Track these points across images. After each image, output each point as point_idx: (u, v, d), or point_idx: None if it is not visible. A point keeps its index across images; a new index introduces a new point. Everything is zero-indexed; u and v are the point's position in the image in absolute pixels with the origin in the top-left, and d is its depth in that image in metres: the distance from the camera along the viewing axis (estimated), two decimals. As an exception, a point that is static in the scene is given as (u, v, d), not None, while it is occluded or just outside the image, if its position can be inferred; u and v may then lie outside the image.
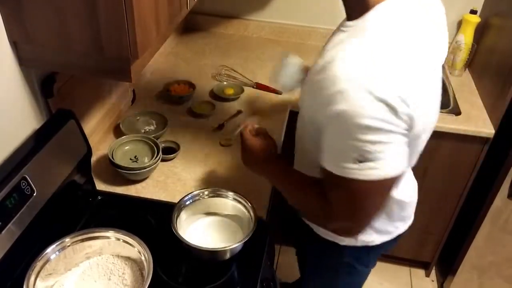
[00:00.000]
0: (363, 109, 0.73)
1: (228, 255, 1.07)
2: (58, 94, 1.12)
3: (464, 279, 1.97)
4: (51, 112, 1.12)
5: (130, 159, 1.33)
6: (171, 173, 1.36)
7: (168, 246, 1.08)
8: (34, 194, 0.95)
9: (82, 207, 1.20)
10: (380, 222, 1.09)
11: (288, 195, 1.02)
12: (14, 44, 0.95)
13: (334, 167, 0.81)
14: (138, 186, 1.31)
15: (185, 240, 1.04)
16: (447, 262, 2.07)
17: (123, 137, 1.36)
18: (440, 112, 1.69)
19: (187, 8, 1.16)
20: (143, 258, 0.98)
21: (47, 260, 0.96)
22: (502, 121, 1.62)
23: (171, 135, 1.50)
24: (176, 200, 1.15)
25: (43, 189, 0.99)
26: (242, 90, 1.76)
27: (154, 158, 1.30)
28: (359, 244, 1.12)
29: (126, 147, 1.35)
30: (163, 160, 1.37)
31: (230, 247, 1.04)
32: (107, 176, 1.32)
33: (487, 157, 1.71)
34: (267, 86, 1.80)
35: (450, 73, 1.96)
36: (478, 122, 1.68)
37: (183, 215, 1.13)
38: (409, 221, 1.19)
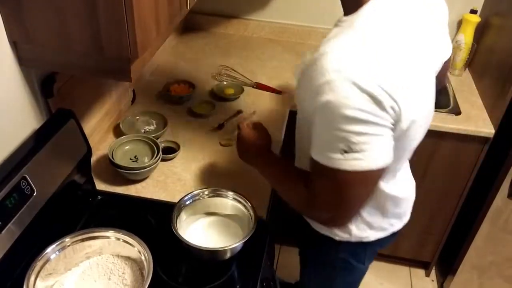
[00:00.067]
0: (348, 100, 0.75)
1: (228, 255, 1.07)
2: (58, 94, 1.12)
3: (464, 279, 1.97)
4: (51, 112, 1.12)
5: (130, 159, 1.33)
6: (171, 173, 1.36)
7: (168, 246, 1.08)
8: (34, 194, 0.96)
9: (82, 207, 1.20)
10: (374, 218, 1.10)
11: (277, 184, 1.05)
12: (14, 44, 0.95)
13: (320, 157, 0.83)
14: (138, 186, 1.31)
15: (185, 240, 1.04)
16: (447, 262, 2.07)
17: (123, 137, 1.36)
18: (440, 112, 1.70)
19: (187, 8, 1.16)
20: (143, 258, 0.98)
21: (47, 260, 0.96)
22: (502, 121, 1.62)
23: (171, 135, 1.51)
24: (176, 200, 1.15)
25: (43, 189, 0.99)
26: (242, 90, 1.76)
27: (154, 158, 1.31)
28: (353, 240, 1.12)
29: (126, 147, 1.35)
30: (163, 160, 1.37)
31: (230, 247, 1.04)
32: (107, 176, 1.32)
33: (487, 157, 1.71)
34: (267, 86, 1.81)
35: (450, 72, 1.96)
36: (478, 122, 1.68)
37: (183, 215, 1.13)
38: (405, 218, 1.19)
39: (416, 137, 0.95)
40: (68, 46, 0.89)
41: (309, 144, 0.86)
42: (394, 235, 1.18)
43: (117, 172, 1.28)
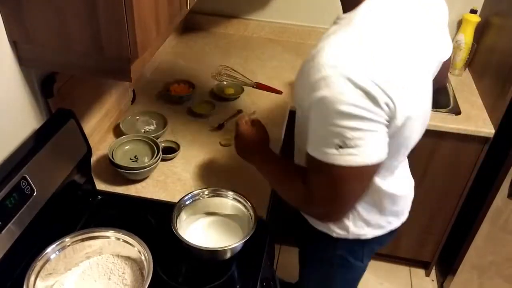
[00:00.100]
0: (343, 95, 0.76)
1: (228, 255, 1.07)
2: (58, 94, 1.12)
3: (464, 278, 1.98)
4: (51, 112, 1.12)
5: (130, 159, 1.33)
6: (171, 173, 1.36)
7: (168, 246, 1.09)
8: (34, 194, 0.96)
9: (82, 207, 1.20)
10: (371, 215, 1.10)
11: (274, 181, 1.06)
12: (14, 44, 0.95)
13: (316, 152, 0.84)
14: (138, 186, 1.31)
15: (185, 239, 1.04)
16: (447, 262, 2.07)
17: (123, 137, 1.36)
18: (440, 111, 1.70)
19: (187, 7, 1.16)
20: (143, 257, 0.98)
21: (47, 260, 0.96)
22: (502, 121, 1.62)
23: (171, 135, 1.51)
24: (176, 200, 1.15)
25: (43, 189, 0.99)
26: (242, 90, 1.76)
27: (154, 158, 1.31)
28: (351, 237, 1.13)
29: (126, 147, 1.35)
30: (163, 160, 1.37)
31: (230, 247, 1.04)
32: (107, 176, 1.32)
33: (487, 157, 1.71)
34: (267, 86, 1.81)
35: (450, 72, 1.96)
36: (478, 122, 1.68)
37: (183, 215, 1.13)
38: (403, 217, 1.20)
39: (412, 135, 0.95)
40: (68, 46, 0.89)
41: (306, 142, 0.87)
42: (392, 233, 1.19)
43: (117, 172, 1.28)
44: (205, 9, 2.21)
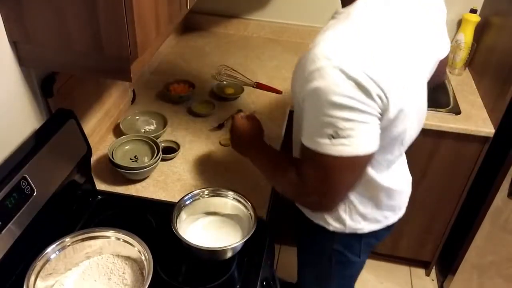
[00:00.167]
0: (336, 86, 0.77)
1: (228, 255, 1.07)
2: (58, 94, 1.12)
3: (464, 278, 1.98)
4: (51, 112, 1.12)
5: (130, 158, 1.33)
6: (171, 172, 1.36)
7: (168, 245, 1.09)
8: (34, 194, 0.96)
9: (82, 207, 1.20)
10: (368, 209, 1.11)
11: (269, 173, 1.07)
12: (14, 44, 0.95)
13: (309, 142, 0.85)
14: (138, 185, 1.31)
15: (185, 239, 1.04)
16: (447, 261, 2.07)
17: (123, 136, 1.36)
18: (440, 111, 1.70)
19: (187, 7, 1.16)
20: (143, 257, 0.98)
21: (47, 260, 0.96)
22: (502, 121, 1.62)
23: (171, 135, 1.51)
24: (176, 200, 1.15)
25: (43, 189, 0.99)
26: (242, 90, 1.76)
27: (154, 157, 1.31)
28: (348, 231, 1.13)
29: (126, 147, 1.35)
30: (163, 159, 1.37)
31: (230, 247, 1.04)
32: (107, 176, 1.32)
33: (487, 157, 1.71)
34: (267, 86, 1.81)
35: (450, 72, 1.96)
36: (478, 122, 1.68)
37: (183, 215, 1.13)
38: (400, 212, 1.20)
39: (407, 130, 0.96)
40: (68, 46, 0.89)
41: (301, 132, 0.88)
42: (389, 228, 1.19)
43: (117, 172, 1.28)
44: (205, 9, 2.21)
